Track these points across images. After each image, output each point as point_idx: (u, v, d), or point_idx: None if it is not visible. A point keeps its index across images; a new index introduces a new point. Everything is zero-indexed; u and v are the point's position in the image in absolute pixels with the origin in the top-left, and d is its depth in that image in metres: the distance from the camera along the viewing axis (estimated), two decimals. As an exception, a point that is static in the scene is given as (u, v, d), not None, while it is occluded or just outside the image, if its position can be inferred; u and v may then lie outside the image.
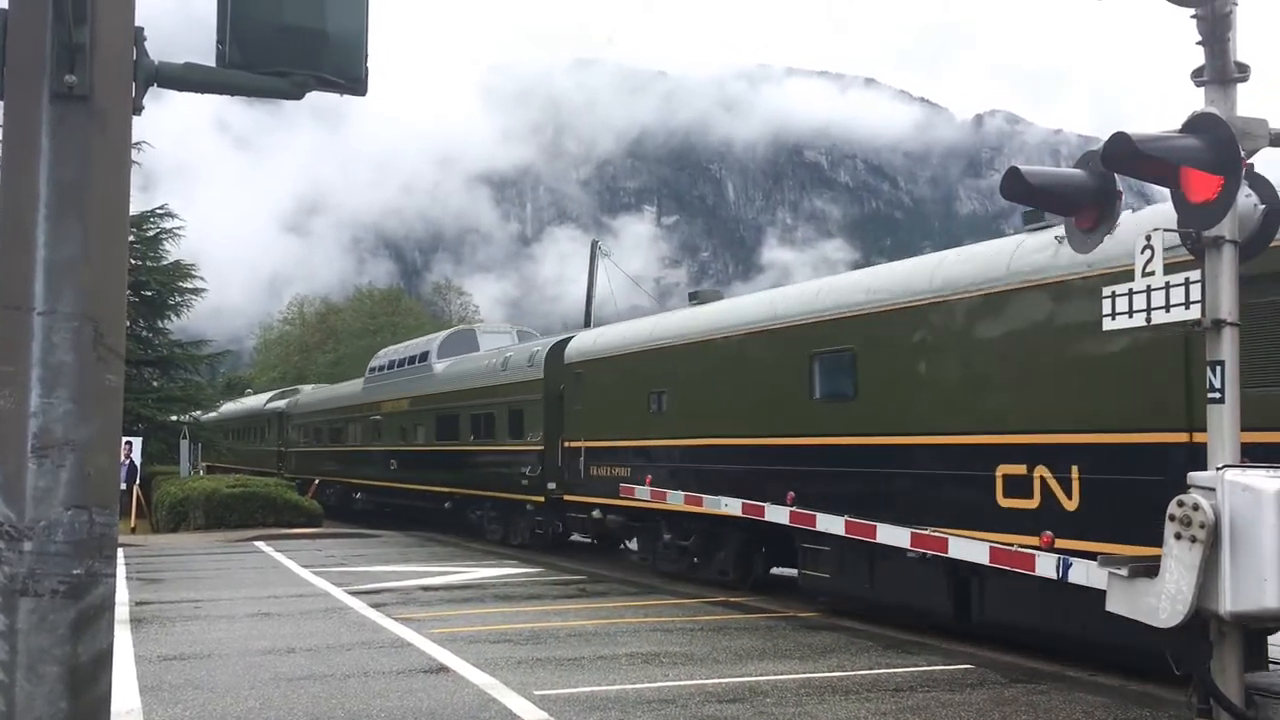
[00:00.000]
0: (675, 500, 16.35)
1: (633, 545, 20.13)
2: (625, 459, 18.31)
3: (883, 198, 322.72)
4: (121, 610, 14.19)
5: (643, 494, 17.18)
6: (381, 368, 33.52)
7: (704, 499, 15.58)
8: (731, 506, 14.90)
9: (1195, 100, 7.12)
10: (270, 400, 48.45)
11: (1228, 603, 6.62)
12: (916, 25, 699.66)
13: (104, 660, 3.64)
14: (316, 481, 38.64)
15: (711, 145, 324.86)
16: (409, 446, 29.96)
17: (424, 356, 30.10)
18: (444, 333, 31.39)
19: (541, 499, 21.74)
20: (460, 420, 26.13)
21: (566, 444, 20.23)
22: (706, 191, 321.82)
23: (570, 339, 21.51)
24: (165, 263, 39.08)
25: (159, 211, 39.32)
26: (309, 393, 44.31)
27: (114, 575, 3.67)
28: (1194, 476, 6.89)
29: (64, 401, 3.55)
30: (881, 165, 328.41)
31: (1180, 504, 6.78)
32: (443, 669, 10.52)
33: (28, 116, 3.63)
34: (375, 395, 32.92)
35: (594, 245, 43.64)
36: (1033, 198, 7.66)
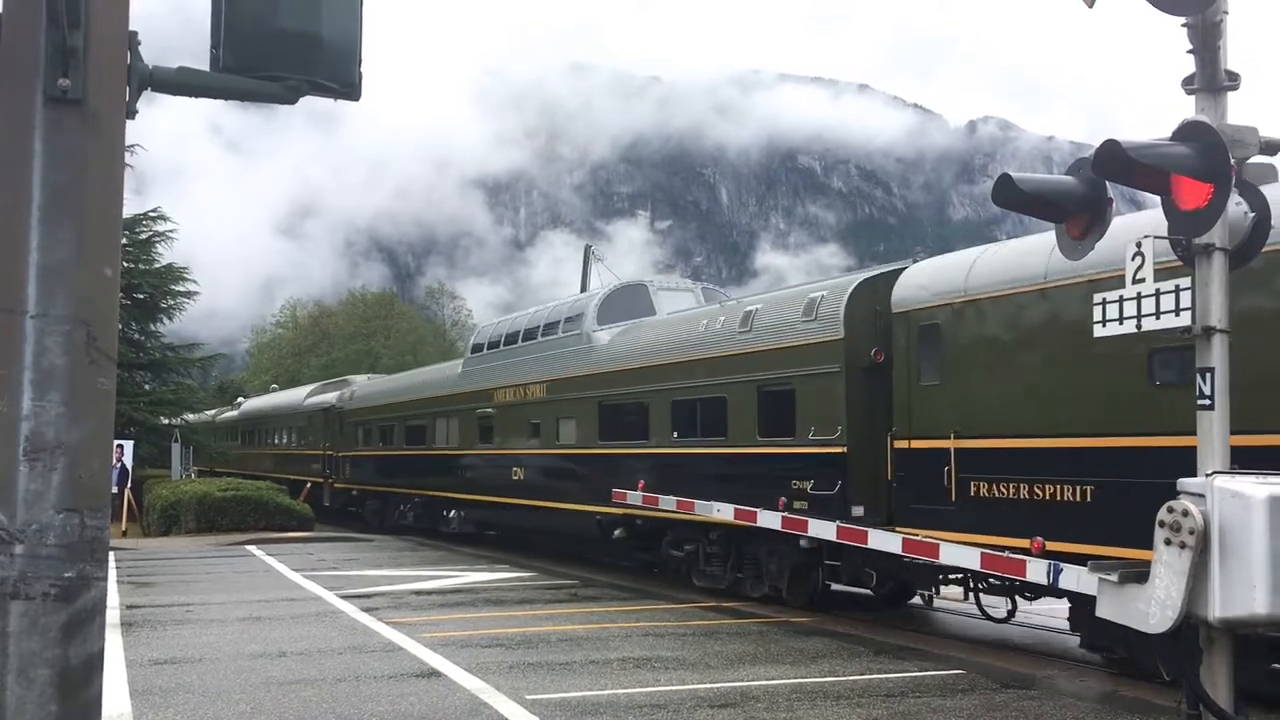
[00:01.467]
0: None
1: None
2: (1066, 469, 10.66)
3: (876, 203, 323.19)
4: (112, 614, 14.16)
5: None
6: (494, 344, 24.82)
7: None
8: None
9: (1186, 108, 7.16)
10: (313, 394, 39.82)
11: (1217, 609, 6.64)
12: (909, 32, 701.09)
13: (95, 664, 3.64)
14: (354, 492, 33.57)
15: (705, 150, 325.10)
16: (549, 449, 21.20)
17: (573, 322, 21.20)
18: (600, 291, 21.81)
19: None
20: (651, 410, 17.72)
21: (907, 443, 12.85)
22: (700, 196, 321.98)
23: (896, 272, 13.79)
24: (158, 266, 39.02)
25: (151, 214, 39.28)
26: (368, 384, 36.24)
27: (105, 579, 3.67)
28: (1183, 483, 6.91)
29: (56, 405, 3.55)
30: (875, 171, 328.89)
31: (1170, 510, 6.80)
32: (434, 673, 10.51)
33: (21, 120, 3.63)
34: (484, 381, 24.29)
35: (587, 250, 43.65)
36: (1024, 204, 7.68)
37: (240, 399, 56.79)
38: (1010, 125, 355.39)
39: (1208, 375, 6.94)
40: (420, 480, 28.15)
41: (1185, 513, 6.70)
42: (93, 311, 3.62)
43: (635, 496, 16.96)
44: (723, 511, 14.93)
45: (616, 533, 18.44)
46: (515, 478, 22.43)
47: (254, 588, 17.74)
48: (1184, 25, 7.04)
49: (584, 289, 41.64)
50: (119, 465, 29.45)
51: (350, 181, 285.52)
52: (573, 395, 20.25)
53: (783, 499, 14.38)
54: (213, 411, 56.02)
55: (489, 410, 23.91)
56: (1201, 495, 6.73)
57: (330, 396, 36.77)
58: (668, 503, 16.22)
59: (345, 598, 16.02)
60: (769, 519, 14.12)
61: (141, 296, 37.65)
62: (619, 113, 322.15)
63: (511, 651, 11.68)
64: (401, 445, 29.77)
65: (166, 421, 39.19)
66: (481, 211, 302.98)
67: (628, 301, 20.85)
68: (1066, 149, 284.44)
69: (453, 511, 26.31)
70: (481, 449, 24.29)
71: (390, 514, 30.79)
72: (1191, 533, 6.65)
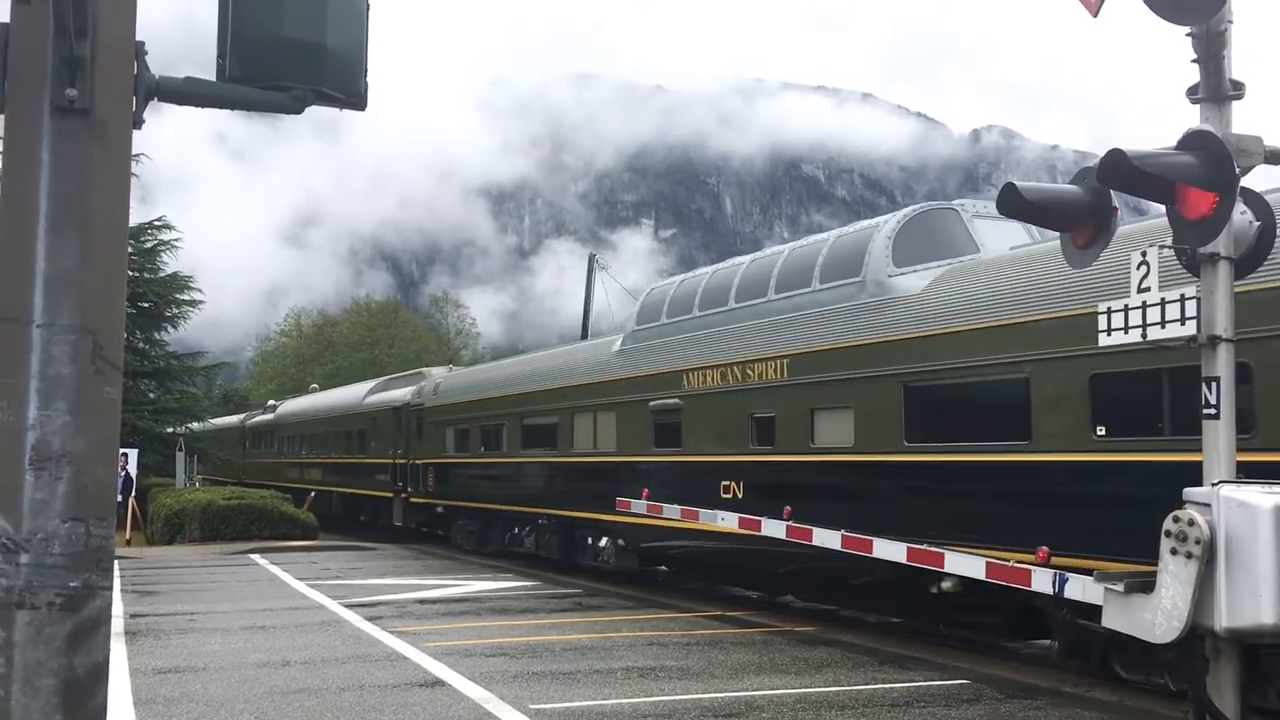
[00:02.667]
0: None
1: None
2: None
3: (880, 212, 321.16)
4: (116, 623, 14.13)
5: None
6: (679, 309, 17.69)
7: None
8: None
9: (1191, 117, 7.16)
10: (376, 391, 33.43)
11: (1223, 619, 6.62)
12: (913, 41, 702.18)
13: (100, 673, 3.64)
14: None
15: (709, 159, 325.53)
16: (795, 455, 14.38)
17: (844, 266, 14.30)
18: (889, 220, 14.34)
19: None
20: (1033, 391, 10.91)
21: None
22: (704, 205, 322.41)
23: None
24: (163, 274, 39.14)
25: (157, 223, 39.43)
26: (456, 375, 29.61)
27: (111, 588, 3.67)
28: (1189, 492, 6.90)
29: (62, 414, 3.55)
30: (879, 179, 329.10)
31: (1176, 519, 6.79)
32: (438, 683, 10.50)
33: (28, 129, 3.64)
34: (662, 360, 17.49)
35: (591, 259, 43.69)
36: (1030, 213, 7.69)
37: (272, 401, 51.54)
38: (1014, 134, 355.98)
39: (1213, 385, 6.94)
40: (548, 496, 20.92)
41: (1191, 522, 6.69)
42: (99, 320, 3.63)
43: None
44: None
45: (943, 584, 11.85)
46: (726, 495, 15.36)
47: (258, 596, 17.73)
48: (1188, 35, 7.05)
49: (588, 299, 41.70)
50: (123, 474, 29.47)
51: (354, 190, 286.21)
52: (847, 374, 13.45)
53: None
54: (239, 416, 52.82)
55: (672, 401, 16.86)
56: (1207, 505, 6.72)
57: (403, 393, 30.24)
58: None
59: (349, 606, 16.01)
60: None
61: (146, 305, 37.73)
62: (623, 122, 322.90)
63: (516, 661, 11.66)
64: (516, 450, 22.53)
65: (171, 430, 39.21)
66: (485, 220, 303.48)
67: (927, 235, 14.07)
68: (1071, 158, 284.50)
69: (604, 539, 18.82)
70: (659, 454, 17.18)
71: (493, 537, 24.10)
72: (1198, 542, 6.64)
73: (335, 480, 35.60)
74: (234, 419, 52.99)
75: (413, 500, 28.50)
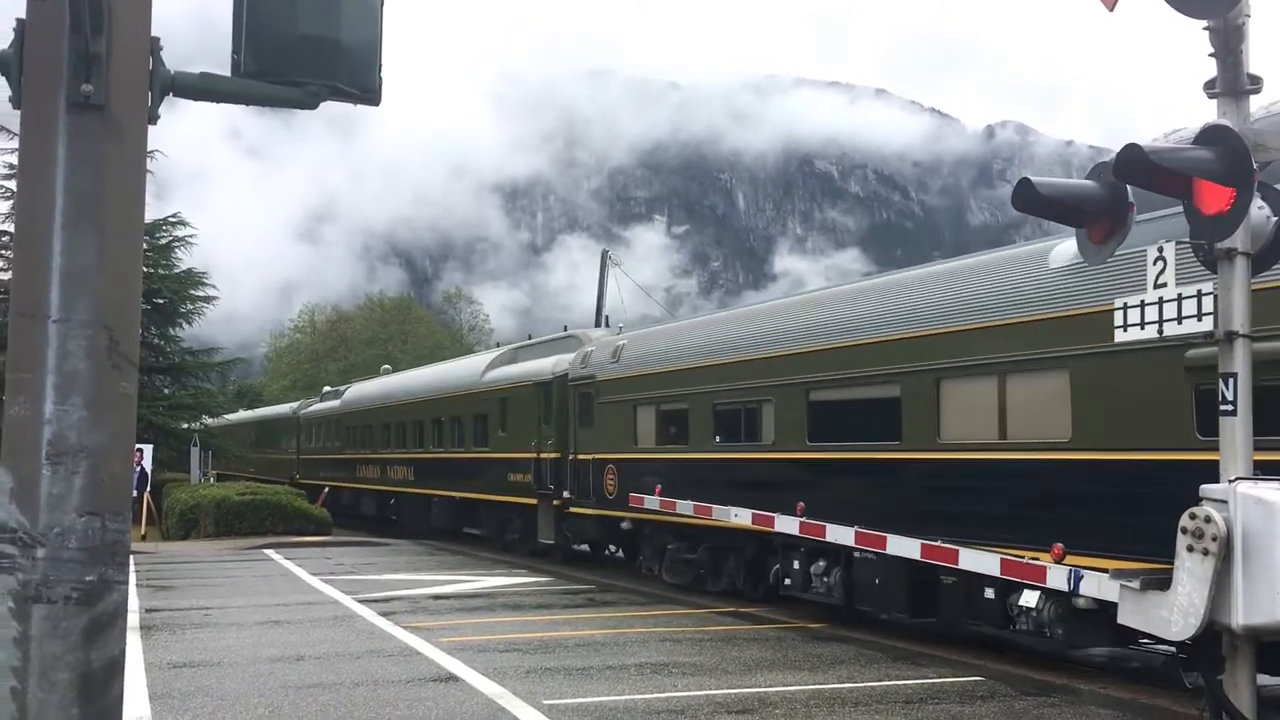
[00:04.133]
0: None
1: None
2: None
3: (894, 208, 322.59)
4: (131, 617, 14.17)
5: None
6: None
7: None
8: None
9: (1208, 112, 7.12)
10: (503, 363, 25.41)
11: (1240, 616, 6.59)
12: (926, 36, 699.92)
13: (116, 667, 3.65)
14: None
15: (722, 155, 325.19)
16: None
17: None
18: None
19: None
20: None
21: None
22: (717, 201, 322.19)
23: None
24: (177, 271, 39.26)
25: (171, 220, 39.55)
26: (658, 336, 19.60)
27: (126, 582, 3.68)
28: (1206, 489, 6.86)
29: (78, 408, 3.56)
30: (892, 175, 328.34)
31: (1192, 516, 6.75)
32: (452, 678, 10.52)
33: (44, 125, 3.65)
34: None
35: (604, 255, 43.68)
36: (1044, 209, 7.65)
37: (332, 387, 44.52)
38: (1028, 129, 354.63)
39: (1230, 381, 6.89)
40: (891, 514, 12.39)
41: (1208, 519, 6.66)
42: (115, 316, 3.64)
43: None
44: None
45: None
46: None
47: (272, 591, 17.80)
48: (1205, 29, 7.00)
49: (601, 295, 41.66)
50: (138, 469, 29.60)
51: (368, 187, 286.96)
52: None
53: None
54: (290, 406, 47.28)
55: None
56: (1224, 501, 6.68)
57: (549, 363, 22.26)
58: None
59: (363, 602, 16.05)
60: None
61: (161, 301, 37.85)
62: (636, 118, 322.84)
63: (529, 656, 11.68)
64: (793, 440, 14.54)
65: (186, 426, 39.36)
66: (498, 216, 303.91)
67: None
68: (1085, 153, 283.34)
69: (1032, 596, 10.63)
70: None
71: (727, 570, 16.39)
72: (1214, 539, 6.60)
73: (433, 480, 28.26)
74: (282, 409, 48.57)
75: (575, 510, 20.41)
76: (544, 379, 22.24)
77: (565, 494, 20.80)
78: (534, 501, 22.22)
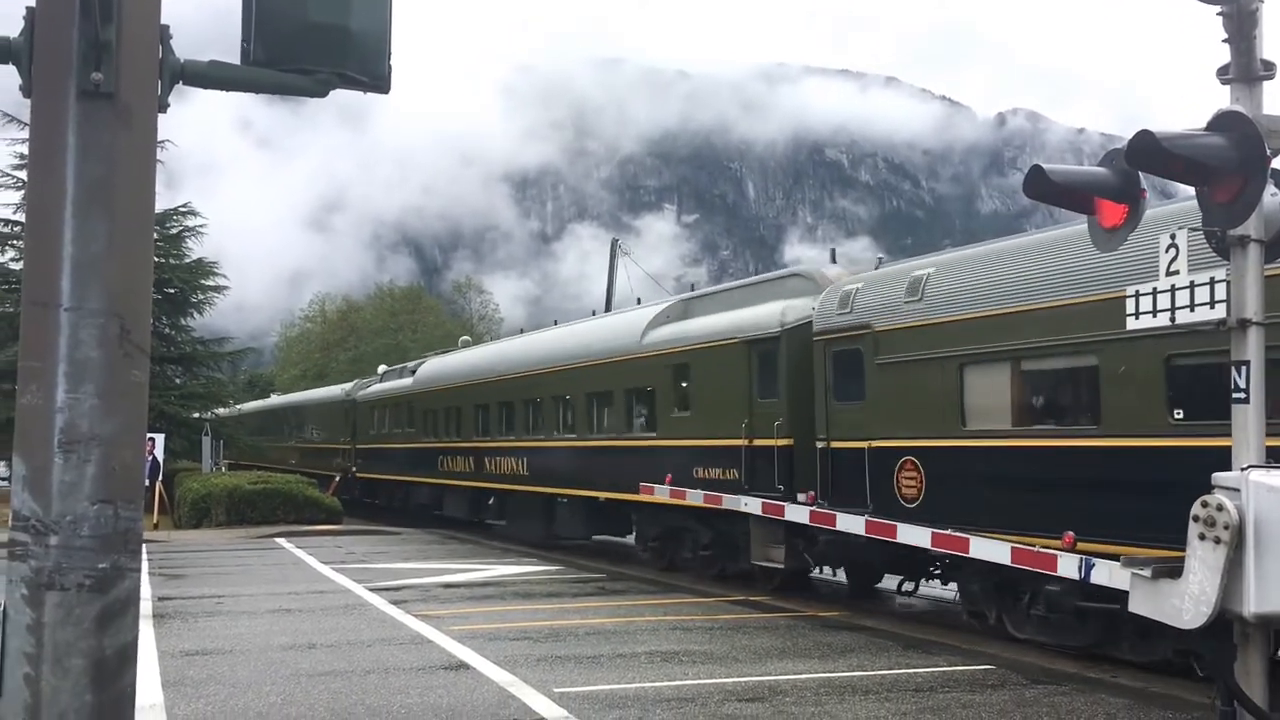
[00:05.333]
0: None
1: None
2: None
3: (904, 196, 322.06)
4: (144, 605, 14.28)
5: None
6: None
7: None
8: None
9: (1220, 98, 7.08)
10: (671, 320, 18.87)
11: (1252, 604, 6.57)
12: (936, 23, 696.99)
13: (129, 654, 3.67)
14: None
15: (731, 144, 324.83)
16: None
17: None
18: None
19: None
20: None
21: None
22: (727, 190, 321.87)
23: None
24: (188, 260, 39.30)
25: (182, 209, 39.58)
26: (967, 264, 12.63)
27: (139, 570, 3.70)
28: (1218, 477, 6.84)
29: (90, 397, 3.57)
30: (902, 164, 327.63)
31: (1204, 504, 6.73)
32: (463, 666, 10.55)
33: (55, 114, 3.65)
34: None
35: (614, 244, 43.80)
36: (1056, 196, 7.62)
37: (391, 365, 39.49)
38: (1040, 117, 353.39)
39: (1243, 369, 6.86)
40: None
41: (1220, 507, 6.64)
42: (126, 304, 3.65)
43: None
44: None
45: None
46: None
47: (283, 580, 17.86)
48: (1219, 14, 6.96)
49: (610, 283, 41.70)
50: (150, 458, 29.69)
51: (378, 176, 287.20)
52: None
53: None
54: (345, 386, 40.28)
55: None
56: (1236, 489, 6.66)
57: (763, 313, 16.05)
58: None
59: (374, 590, 16.10)
60: None
61: (172, 291, 37.91)
62: (646, 107, 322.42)
63: (539, 644, 11.70)
64: None
65: (197, 415, 39.46)
66: (508, 205, 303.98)
67: None
68: (1097, 141, 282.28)
69: None
70: None
71: None
72: (1226, 527, 6.58)
73: (558, 476, 21.58)
74: (332, 391, 42.35)
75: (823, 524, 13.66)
76: (764, 333, 15.67)
77: (804, 497, 14.23)
78: (743, 508, 15.14)
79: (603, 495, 19.85)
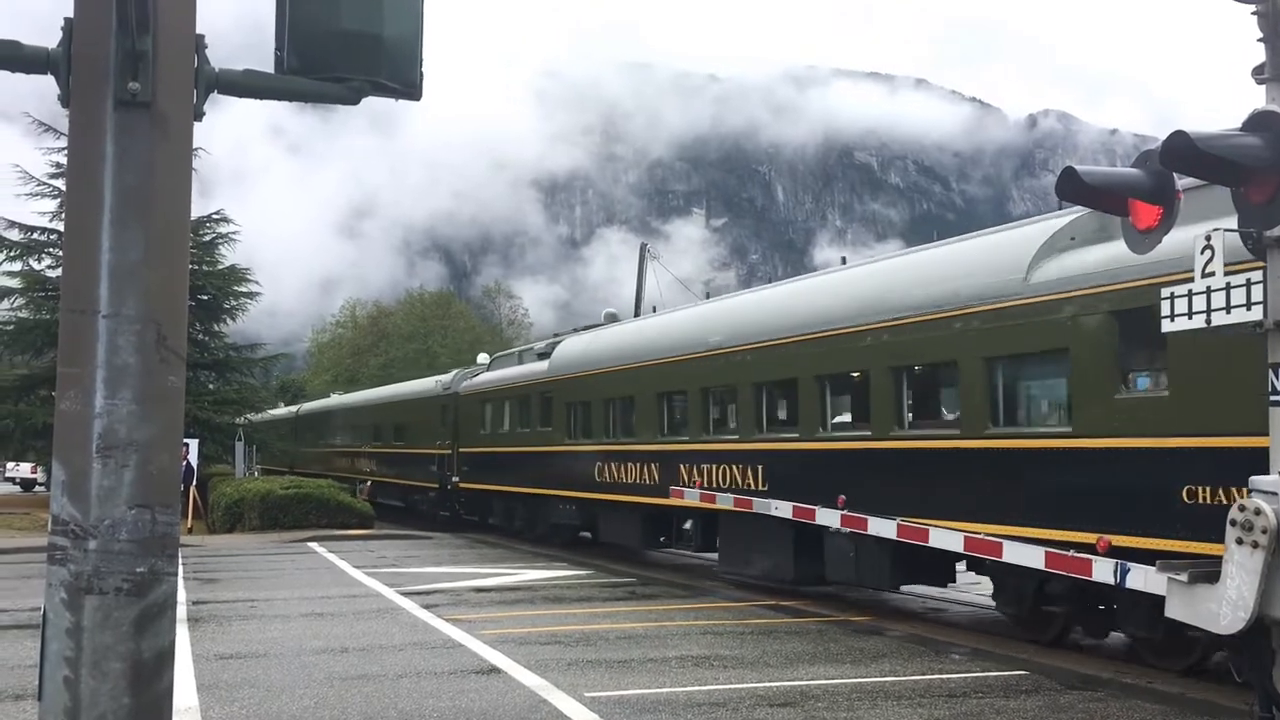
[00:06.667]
0: None
1: None
2: None
3: (934, 199, 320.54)
4: (180, 609, 14.36)
5: None
6: None
7: None
8: None
9: (1256, 98, 7.00)
10: (1078, 245, 11.32)
11: (1291, 609, 6.47)
12: (967, 24, 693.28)
13: (166, 657, 3.70)
14: None
15: (761, 148, 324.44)
16: None
17: None
18: None
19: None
20: None
21: None
22: (756, 194, 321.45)
23: None
24: (221, 267, 39.68)
25: (215, 217, 39.98)
26: None
27: (176, 573, 3.73)
28: (1255, 481, 6.76)
29: (128, 402, 3.61)
30: (933, 166, 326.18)
31: (1241, 509, 6.66)
32: (494, 670, 10.57)
33: (92, 123, 3.70)
34: None
35: (643, 248, 43.78)
36: (1089, 197, 7.56)
37: (505, 351, 33.02)
38: (1071, 118, 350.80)
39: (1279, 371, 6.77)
40: None
41: (1257, 511, 6.57)
42: (163, 311, 3.68)
43: None
44: None
45: None
46: None
47: (316, 584, 17.97)
48: (1254, 13, 6.89)
49: (639, 288, 41.72)
50: (185, 463, 29.90)
51: (408, 182, 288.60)
52: None
53: None
54: (441, 379, 33.00)
55: None
56: (1274, 493, 6.58)
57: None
58: None
59: (405, 595, 16.16)
60: None
61: (205, 298, 38.30)
62: (675, 111, 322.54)
63: (570, 649, 11.71)
64: None
65: (230, 420, 39.79)
66: (537, 210, 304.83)
67: None
68: (1130, 142, 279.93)
69: None
70: None
71: None
72: (1264, 532, 6.51)
73: (833, 488, 14.20)
74: (424, 385, 35.25)
75: None
76: None
77: None
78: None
79: (965, 529, 11.81)
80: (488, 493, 28.03)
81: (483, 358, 32.75)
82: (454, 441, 30.08)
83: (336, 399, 48.08)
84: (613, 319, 26.98)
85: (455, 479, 29.93)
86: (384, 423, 38.41)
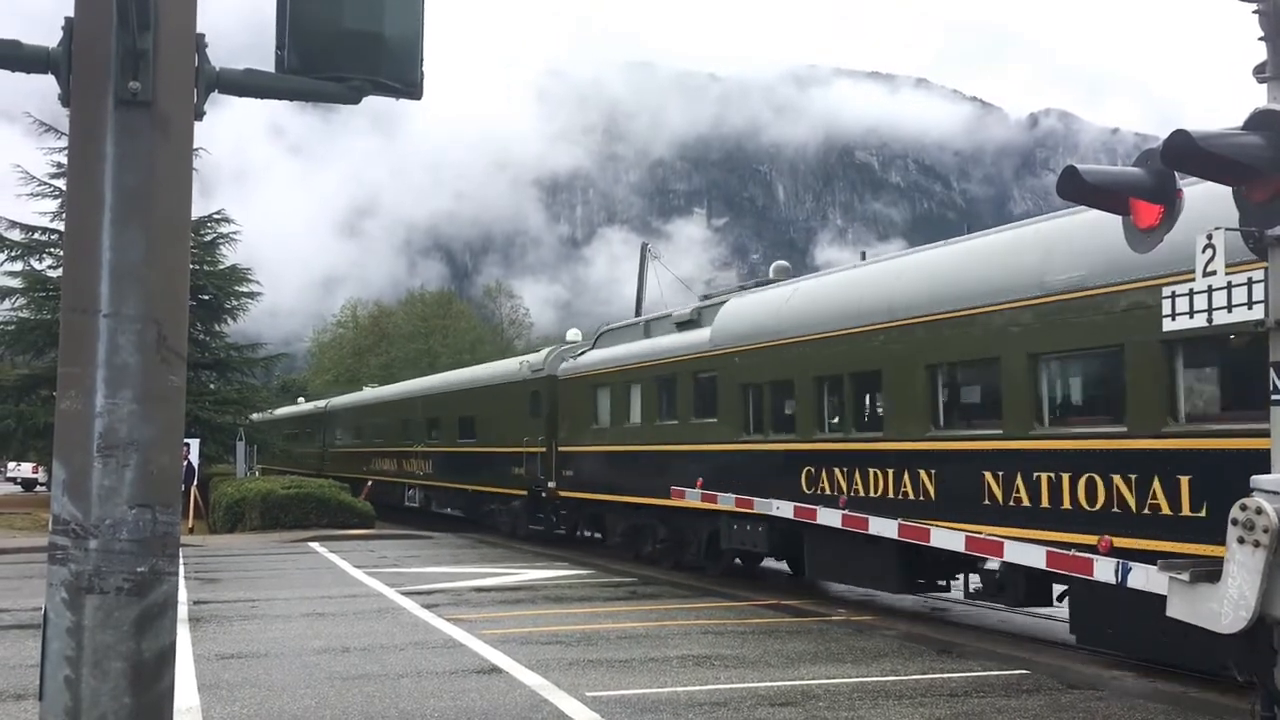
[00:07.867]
0: None
1: None
2: None
3: (935, 198, 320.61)
4: (180, 609, 14.37)
5: None
6: None
7: None
8: None
9: (1257, 97, 6.99)
10: None
11: (1293, 609, 6.46)
12: (969, 24, 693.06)
13: (167, 657, 3.70)
14: None
15: (762, 147, 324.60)
16: None
17: None
18: None
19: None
20: None
21: None
22: (757, 193, 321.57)
23: None
24: (222, 267, 39.65)
25: (216, 216, 39.94)
26: None
27: (176, 573, 3.72)
28: (1257, 480, 6.75)
29: (128, 402, 3.61)
30: (933, 165, 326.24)
31: (1243, 508, 6.65)
32: (495, 670, 10.57)
33: (93, 123, 3.69)
34: None
35: (644, 248, 43.76)
36: (1090, 197, 7.55)
37: (571, 342, 26.36)
38: (1072, 118, 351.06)
39: (1282, 370, 6.75)
40: None
41: (1259, 510, 6.55)
42: (163, 310, 3.68)
43: None
44: None
45: None
46: None
47: (317, 584, 17.96)
48: (1255, 11, 6.88)
49: (640, 288, 41.69)
50: (185, 463, 29.92)
51: (409, 182, 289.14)
52: None
53: None
54: (533, 359, 26.18)
55: None
56: (1275, 493, 6.57)
57: None
58: None
59: (406, 594, 16.16)
60: None
61: (206, 298, 38.26)
62: (677, 111, 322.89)
63: (571, 648, 11.71)
64: None
65: (232, 420, 39.76)
66: (538, 210, 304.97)
67: None
68: (1131, 141, 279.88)
69: None
70: None
71: None
72: (1266, 531, 6.50)
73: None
74: (502, 367, 29.40)
75: None
76: None
77: None
78: None
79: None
80: (600, 503, 21.83)
81: (574, 333, 27.26)
82: (549, 438, 23.82)
83: (374, 391, 42.05)
84: (784, 273, 19.39)
85: (551, 484, 23.66)
86: (445, 416, 31.72)
